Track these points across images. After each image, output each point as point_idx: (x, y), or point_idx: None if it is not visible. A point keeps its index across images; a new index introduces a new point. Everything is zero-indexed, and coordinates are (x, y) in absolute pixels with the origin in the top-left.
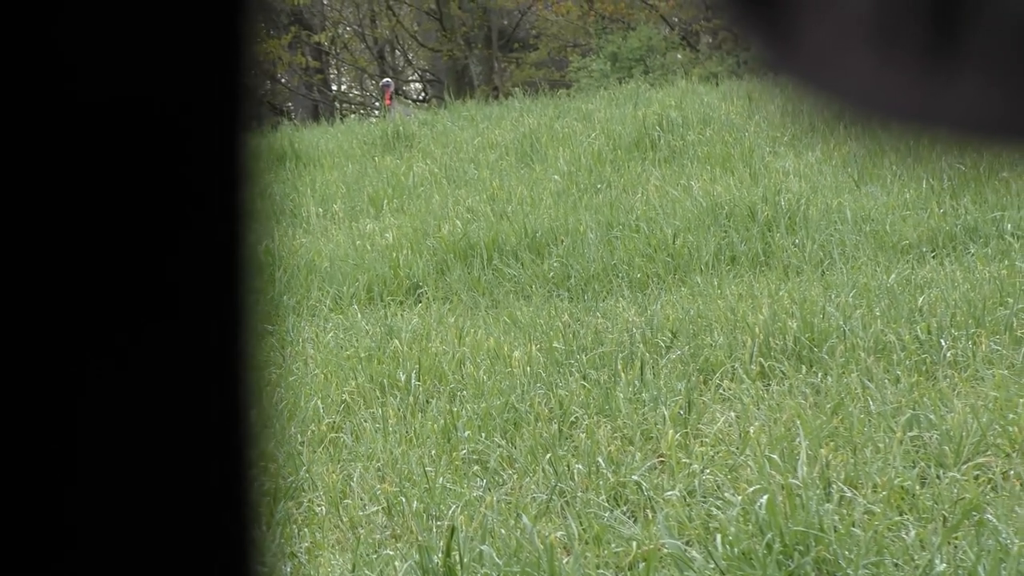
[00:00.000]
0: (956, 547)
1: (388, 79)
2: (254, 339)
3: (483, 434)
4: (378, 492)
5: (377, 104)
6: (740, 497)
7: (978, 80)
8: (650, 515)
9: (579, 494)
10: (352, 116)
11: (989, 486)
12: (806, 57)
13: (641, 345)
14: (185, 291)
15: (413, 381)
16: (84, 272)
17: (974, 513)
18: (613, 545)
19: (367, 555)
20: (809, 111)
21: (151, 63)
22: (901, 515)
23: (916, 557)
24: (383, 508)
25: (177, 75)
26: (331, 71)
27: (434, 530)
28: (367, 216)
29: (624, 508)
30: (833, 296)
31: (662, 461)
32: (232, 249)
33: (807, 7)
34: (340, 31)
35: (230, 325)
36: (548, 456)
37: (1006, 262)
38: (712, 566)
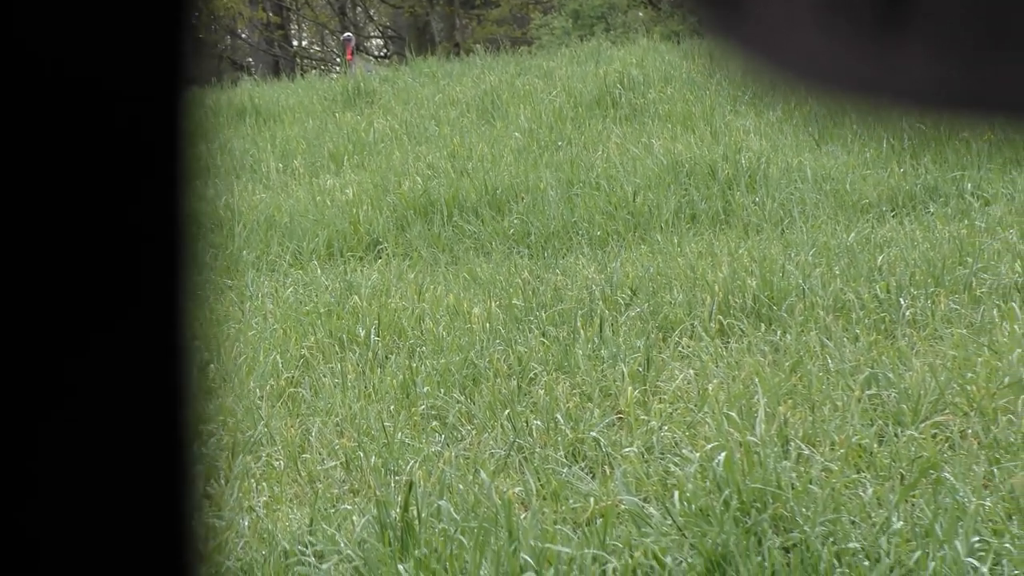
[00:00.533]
0: (913, 505)
1: (349, 34)
2: (209, 297)
3: (442, 390)
4: (336, 447)
5: (338, 60)
6: (698, 454)
7: (927, 51)
8: (608, 471)
9: (537, 450)
10: (313, 72)
11: (947, 444)
12: (755, 27)
13: (600, 302)
14: (133, 247)
15: (372, 337)
16: (29, 230)
17: (931, 471)
18: (571, 501)
19: (325, 509)
20: (764, 73)
21: (90, 19)
22: (858, 473)
23: (873, 515)
24: (341, 463)
25: (117, 30)
26: (292, 27)
27: (392, 485)
28: (327, 172)
29: (582, 464)
30: (793, 254)
31: (620, 418)
32: (178, 206)
33: None
34: None
35: (179, 281)
36: (507, 412)
37: (966, 222)
38: (669, 522)
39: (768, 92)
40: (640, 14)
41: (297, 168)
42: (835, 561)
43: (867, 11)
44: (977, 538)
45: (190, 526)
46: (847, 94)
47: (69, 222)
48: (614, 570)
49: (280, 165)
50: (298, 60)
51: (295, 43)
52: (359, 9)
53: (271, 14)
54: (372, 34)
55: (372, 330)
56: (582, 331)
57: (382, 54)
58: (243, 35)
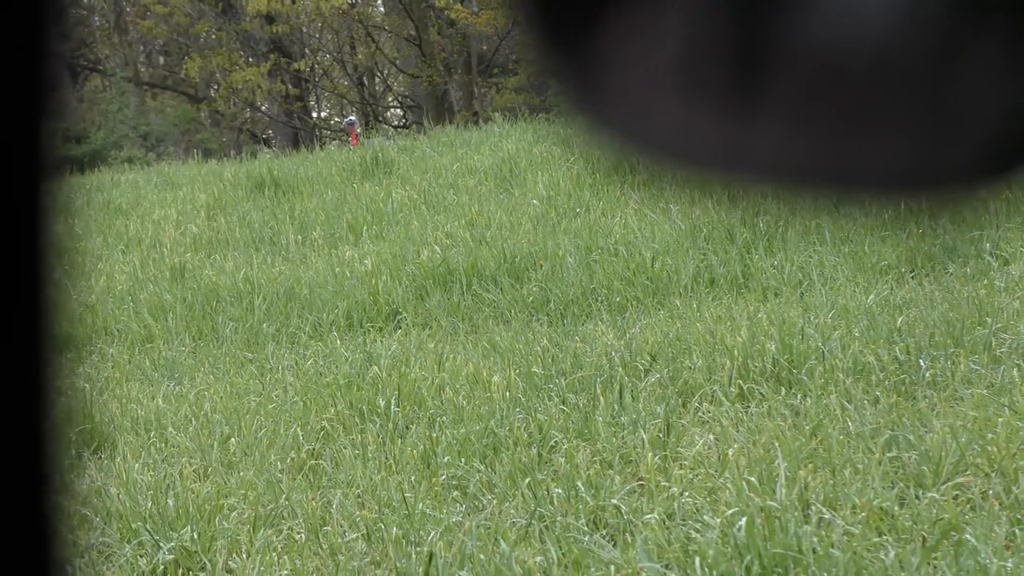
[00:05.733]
0: (935, 567)
1: (352, 117)
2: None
3: (462, 459)
4: (357, 519)
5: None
6: (719, 520)
7: (780, 125)
8: (629, 539)
9: (558, 518)
10: (332, 143)
11: (968, 506)
12: (615, 104)
13: (620, 369)
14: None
15: (393, 407)
16: None
17: (953, 533)
18: (592, 569)
19: None
20: (618, 153)
21: None
22: (880, 536)
23: None
24: (363, 535)
25: None
26: (311, 99)
27: (413, 556)
28: (346, 243)
29: (603, 532)
30: (812, 317)
31: (641, 484)
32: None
33: (615, 55)
34: (320, 58)
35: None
36: (527, 481)
37: (984, 281)
38: None
39: (632, 167)
40: None
41: (316, 240)
42: None
43: (724, 86)
44: None
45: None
46: (706, 168)
47: None
48: None
49: (299, 237)
50: (317, 132)
51: (314, 115)
52: (377, 80)
53: (290, 86)
54: (391, 104)
55: (392, 401)
56: (602, 398)
57: (400, 124)
58: (262, 108)
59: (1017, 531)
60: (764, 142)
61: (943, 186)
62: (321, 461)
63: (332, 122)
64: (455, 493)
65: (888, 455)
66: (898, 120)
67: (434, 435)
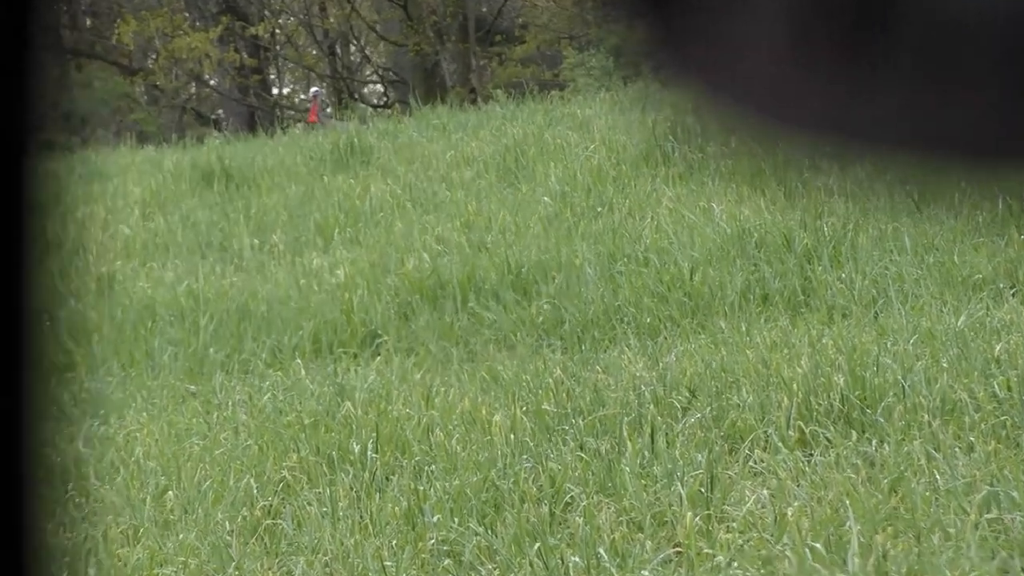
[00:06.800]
0: None
1: (316, 88)
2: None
3: (456, 519)
4: None
5: (328, 112)
6: None
7: (900, 87)
8: None
9: None
10: (296, 126)
11: None
12: (710, 61)
13: (652, 406)
14: None
15: (370, 453)
16: None
17: None
18: None
19: None
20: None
21: None
22: None
23: None
24: None
25: None
26: (271, 71)
27: None
28: (314, 249)
29: None
30: (889, 344)
31: (679, 552)
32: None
33: (714, 7)
34: (282, 22)
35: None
36: (537, 546)
37: None
38: None
39: (665, 157)
40: None
41: (276, 245)
42: None
43: (840, 44)
44: None
45: None
46: (812, 134)
47: None
48: None
49: (256, 241)
50: (279, 111)
51: (275, 91)
52: (353, 48)
53: (245, 56)
54: (368, 78)
55: (369, 445)
56: (629, 443)
57: (381, 103)
58: (211, 82)
59: None
60: (876, 107)
61: None
62: (280, 520)
63: (297, 100)
64: (447, 561)
65: (986, 516)
66: (1012, 90)
67: (421, 488)
